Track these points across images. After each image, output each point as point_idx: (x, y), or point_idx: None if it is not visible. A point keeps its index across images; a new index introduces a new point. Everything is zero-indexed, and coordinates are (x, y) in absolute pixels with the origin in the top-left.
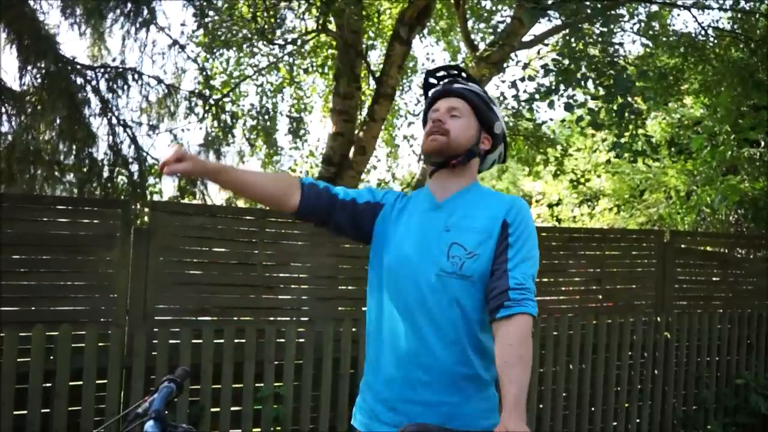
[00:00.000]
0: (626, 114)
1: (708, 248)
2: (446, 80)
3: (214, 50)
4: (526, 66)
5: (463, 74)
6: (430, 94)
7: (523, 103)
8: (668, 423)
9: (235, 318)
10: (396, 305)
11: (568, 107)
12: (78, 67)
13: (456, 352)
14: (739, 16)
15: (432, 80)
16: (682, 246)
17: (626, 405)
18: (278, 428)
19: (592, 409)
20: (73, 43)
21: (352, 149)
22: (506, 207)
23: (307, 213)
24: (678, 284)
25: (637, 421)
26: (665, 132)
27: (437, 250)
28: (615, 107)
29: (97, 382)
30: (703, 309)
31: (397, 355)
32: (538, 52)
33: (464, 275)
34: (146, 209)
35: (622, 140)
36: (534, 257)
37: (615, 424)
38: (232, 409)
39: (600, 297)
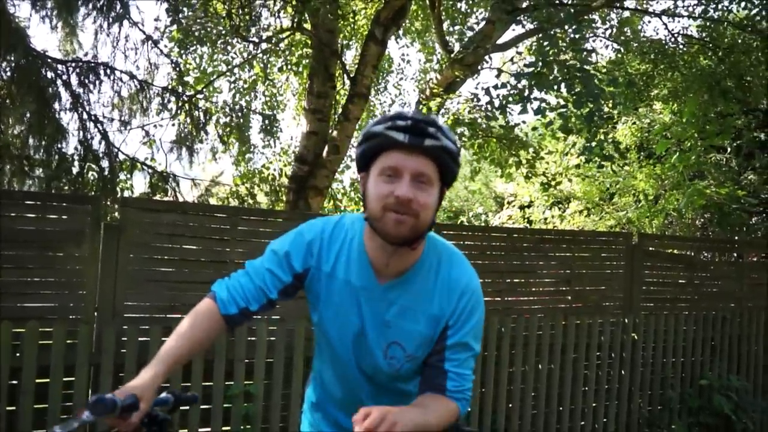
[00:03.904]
0: (595, 119)
1: (675, 251)
2: (412, 132)
3: (188, 46)
4: (499, 73)
5: (435, 126)
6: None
7: (496, 109)
8: (634, 422)
9: None
10: (332, 363)
11: (539, 111)
12: (49, 61)
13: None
14: (707, 24)
15: (393, 133)
16: (650, 248)
17: (593, 405)
18: (248, 426)
19: (560, 408)
20: (44, 37)
21: (326, 148)
22: (452, 305)
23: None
24: (645, 286)
25: (604, 420)
26: (635, 137)
27: (375, 346)
28: (584, 112)
29: (65, 379)
30: (669, 310)
31: (344, 405)
32: (512, 60)
33: (401, 376)
34: (116, 205)
35: (592, 144)
36: (475, 349)
37: (582, 423)
38: (202, 407)
39: (569, 298)
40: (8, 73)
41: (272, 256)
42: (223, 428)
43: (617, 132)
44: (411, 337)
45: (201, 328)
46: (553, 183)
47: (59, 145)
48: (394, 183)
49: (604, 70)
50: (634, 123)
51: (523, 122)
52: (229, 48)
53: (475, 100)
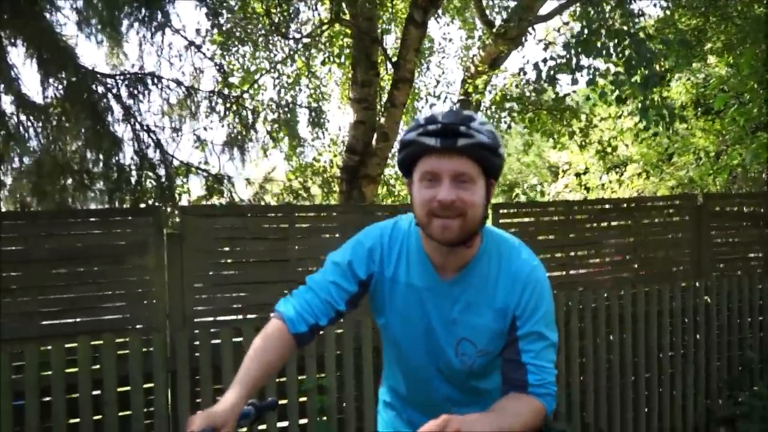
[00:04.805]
0: (649, 85)
1: (743, 209)
2: (443, 135)
3: (230, 48)
4: (546, 47)
5: (466, 124)
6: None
7: (545, 82)
8: (714, 387)
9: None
10: (403, 366)
11: (591, 82)
12: (98, 75)
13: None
14: None
15: (426, 139)
16: (716, 209)
17: (670, 371)
18: (324, 418)
19: (634, 378)
20: (91, 52)
21: (375, 136)
22: (517, 294)
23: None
24: (714, 247)
25: (682, 386)
26: (690, 93)
27: (445, 344)
28: (638, 79)
29: (144, 386)
30: (741, 270)
31: (420, 406)
32: (558, 29)
33: (474, 372)
34: (176, 212)
35: (647, 105)
36: (551, 338)
37: (660, 390)
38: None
39: (636, 266)
40: (61, 92)
41: (335, 267)
42: (300, 421)
43: (671, 90)
44: (479, 331)
45: (273, 350)
46: (608, 149)
47: (116, 157)
48: (435, 187)
49: (653, 30)
50: (689, 79)
51: (574, 92)
52: (270, 46)
53: (522, 74)
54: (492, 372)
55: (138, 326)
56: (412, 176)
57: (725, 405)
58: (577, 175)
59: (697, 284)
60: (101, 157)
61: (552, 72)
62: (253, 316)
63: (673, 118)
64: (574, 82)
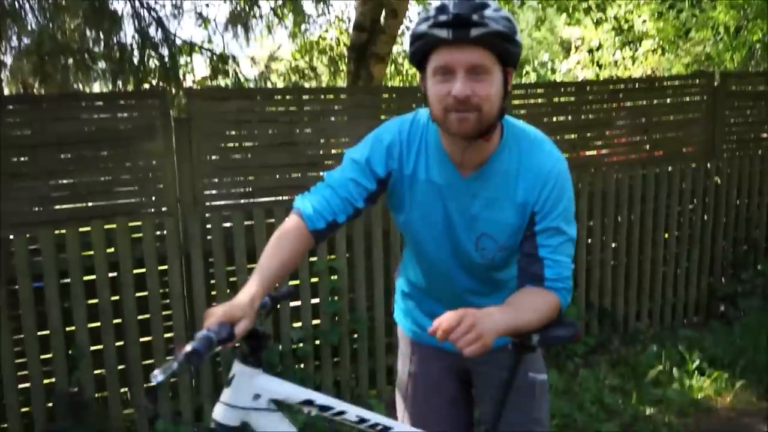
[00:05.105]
0: None
1: (761, 87)
2: (455, 25)
3: None
4: None
5: (479, 12)
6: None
7: None
8: (718, 265)
9: (283, 197)
10: (423, 260)
11: None
12: None
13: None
14: None
15: (437, 31)
16: (734, 88)
17: (675, 251)
18: (335, 298)
19: (641, 257)
20: None
21: (383, 13)
22: (538, 189)
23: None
24: (728, 127)
25: (686, 265)
26: None
27: (466, 239)
28: None
29: (159, 268)
30: (753, 151)
31: (440, 297)
32: None
33: (494, 265)
34: (180, 96)
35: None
36: (569, 233)
37: (664, 269)
38: (290, 283)
39: (647, 147)
40: None
41: (353, 164)
42: (312, 301)
43: None
44: (500, 226)
45: (291, 247)
46: (625, 27)
47: (117, 36)
48: (449, 81)
49: None
50: None
51: None
52: None
53: None
54: (512, 263)
55: (150, 210)
56: (426, 70)
57: (728, 283)
58: (590, 51)
59: (709, 165)
60: (101, 36)
61: None
62: (263, 199)
63: None
64: None
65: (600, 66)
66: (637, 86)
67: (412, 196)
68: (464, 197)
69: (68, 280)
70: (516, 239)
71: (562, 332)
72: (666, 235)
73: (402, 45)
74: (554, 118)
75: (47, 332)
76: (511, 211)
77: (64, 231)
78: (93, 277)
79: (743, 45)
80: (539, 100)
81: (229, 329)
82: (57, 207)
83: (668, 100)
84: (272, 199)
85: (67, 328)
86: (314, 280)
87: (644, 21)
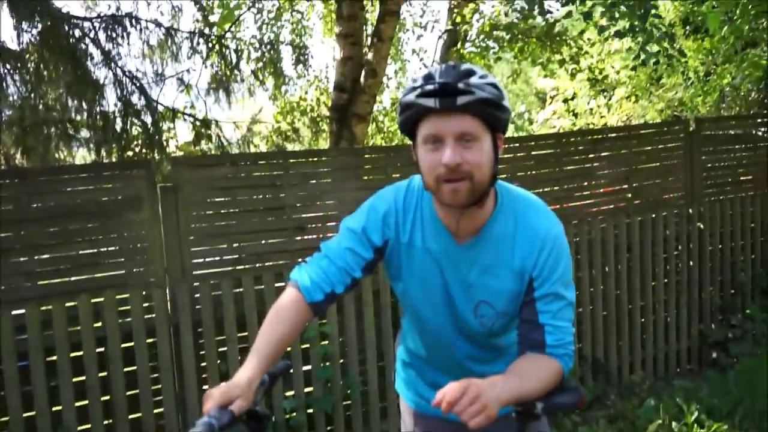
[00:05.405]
0: (649, 18)
1: (735, 131)
2: (441, 94)
3: None
4: None
5: (465, 80)
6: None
7: (535, 8)
8: (707, 311)
9: (272, 263)
10: (423, 329)
11: (588, 16)
12: (73, 19)
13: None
14: None
15: (423, 100)
16: (709, 133)
17: (664, 298)
18: (327, 364)
19: (630, 306)
20: None
21: (363, 73)
22: (535, 255)
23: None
24: (706, 172)
25: (675, 312)
26: (677, 10)
27: (464, 308)
28: (639, 11)
29: (147, 341)
30: (733, 193)
31: (440, 365)
32: None
33: (495, 332)
34: (165, 163)
35: (650, 48)
36: (568, 298)
37: (655, 317)
38: None
39: (629, 195)
40: (36, 38)
41: (350, 234)
42: (304, 367)
43: (659, 9)
44: (498, 293)
45: (290, 321)
46: (600, 77)
47: (99, 105)
48: (439, 150)
49: None
50: None
51: (564, 18)
52: None
53: (510, 1)
54: (512, 329)
55: (137, 282)
56: (416, 139)
57: (718, 328)
58: (565, 101)
59: (690, 211)
60: (84, 105)
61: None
62: (251, 266)
63: (672, 41)
64: (568, 15)
65: (576, 115)
66: (616, 135)
67: (410, 264)
68: (461, 265)
69: (54, 358)
70: (515, 305)
71: (565, 398)
72: (654, 283)
73: (382, 103)
74: (534, 172)
75: (33, 413)
76: (509, 278)
77: (50, 307)
78: (80, 353)
79: (714, 89)
80: (518, 154)
81: (230, 414)
82: (42, 282)
83: (647, 148)
84: (260, 265)
85: (54, 408)
86: (305, 346)
87: (618, 71)
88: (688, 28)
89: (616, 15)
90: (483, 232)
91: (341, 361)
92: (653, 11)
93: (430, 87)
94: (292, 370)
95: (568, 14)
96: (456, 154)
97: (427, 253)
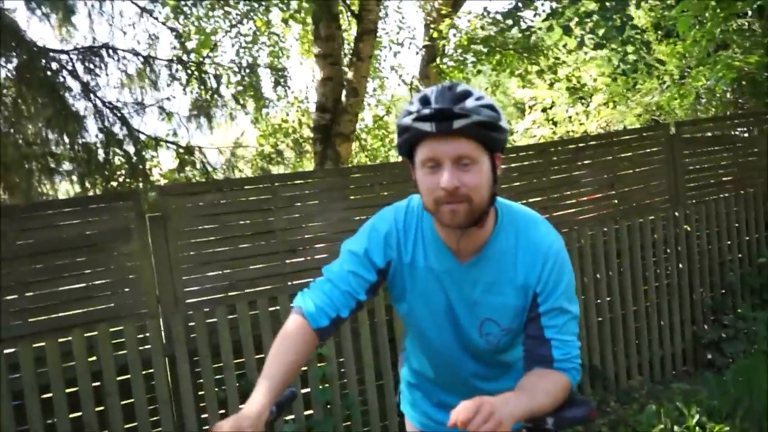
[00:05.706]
0: (626, 29)
1: (713, 133)
2: (438, 118)
3: (183, 10)
4: None
5: (461, 104)
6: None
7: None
8: (699, 312)
9: (264, 287)
10: (428, 348)
11: (568, 31)
12: (50, 52)
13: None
14: None
15: (420, 125)
16: (688, 135)
17: (656, 302)
18: (326, 386)
19: (623, 312)
20: (37, 27)
21: (344, 92)
22: (537, 270)
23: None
24: (688, 174)
25: (668, 315)
26: (648, 15)
27: (469, 326)
28: (616, 23)
29: (143, 372)
30: (716, 195)
31: (447, 385)
32: None
33: (500, 349)
34: (152, 193)
35: (629, 57)
36: (572, 311)
37: (647, 322)
38: None
39: (615, 202)
40: (13, 73)
41: (351, 257)
42: (303, 390)
43: (633, 13)
44: (502, 310)
45: (296, 350)
46: (578, 86)
47: (81, 137)
48: (437, 173)
49: None
50: (647, 1)
51: (540, 29)
52: (224, 4)
53: (486, 14)
54: (516, 345)
55: (130, 313)
56: (414, 161)
57: (711, 329)
58: (544, 110)
59: (676, 214)
60: (65, 137)
61: (518, 8)
62: (243, 291)
63: (648, 49)
64: (550, 28)
65: (555, 123)
66: (597, 142)
67: (413, 284)
68: (464, 284)
69: (50, 395)
70: (519, 321)
71: (576, 412)
72: (645, 287)
73: (364, 120)
74: (518, 183)
75: None
76: (513, 294)
77: (43, 344)
78: (76, 389)
79: (689, 92)
80: (501, 166)
81: None
82: (33, 319)
83: (629, 153)
84: (253, 289)
85: None
86: (303, 368)
87: (595, 79)
88: (659, 33)
89: (590, 25)
90: (485, 251)
91: (340, 381)
92: (630, 22)
93: (426, 111)
94: None
95: (550, 28)
96: (454, 178)
97: (429, 273)
